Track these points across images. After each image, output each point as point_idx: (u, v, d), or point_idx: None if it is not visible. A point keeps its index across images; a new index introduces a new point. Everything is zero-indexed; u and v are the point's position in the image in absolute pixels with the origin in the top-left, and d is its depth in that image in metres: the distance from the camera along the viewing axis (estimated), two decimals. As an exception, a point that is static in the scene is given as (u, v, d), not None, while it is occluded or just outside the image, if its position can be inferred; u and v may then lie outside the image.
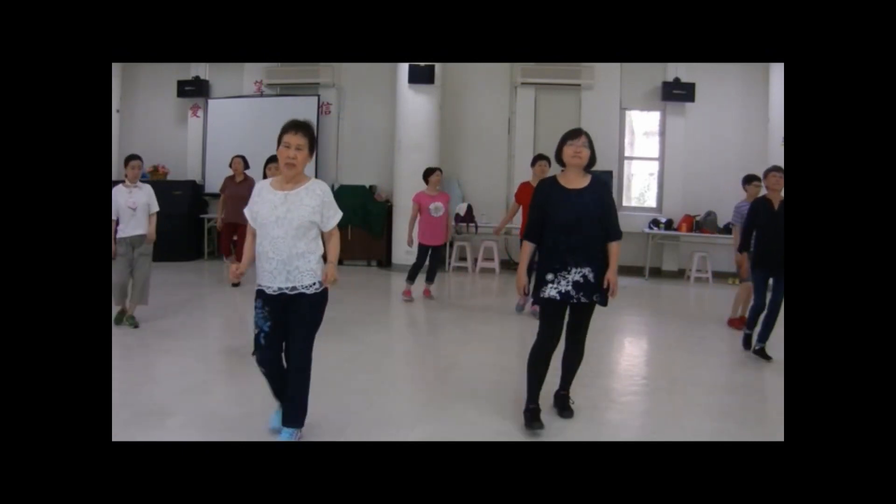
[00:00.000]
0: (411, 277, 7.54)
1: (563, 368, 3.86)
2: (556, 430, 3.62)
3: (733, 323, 6.59)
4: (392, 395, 4.22)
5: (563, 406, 3.89)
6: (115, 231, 5.72)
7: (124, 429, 3.24)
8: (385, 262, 10.27)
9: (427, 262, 7.57)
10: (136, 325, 5.77)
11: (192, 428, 3.48)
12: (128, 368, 4.43)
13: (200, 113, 11.59)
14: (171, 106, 11.72)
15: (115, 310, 5.72)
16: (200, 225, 10.91)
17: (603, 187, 3.64)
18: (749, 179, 6.76)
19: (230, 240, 8.47)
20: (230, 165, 8.48)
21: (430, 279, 7.68)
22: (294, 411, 3.24)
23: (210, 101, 11.47)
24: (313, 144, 3.25)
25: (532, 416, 3.58)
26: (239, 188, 8.33)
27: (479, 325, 6.55)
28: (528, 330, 6.06)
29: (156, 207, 5.97)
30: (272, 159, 5.45)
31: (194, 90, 11.40)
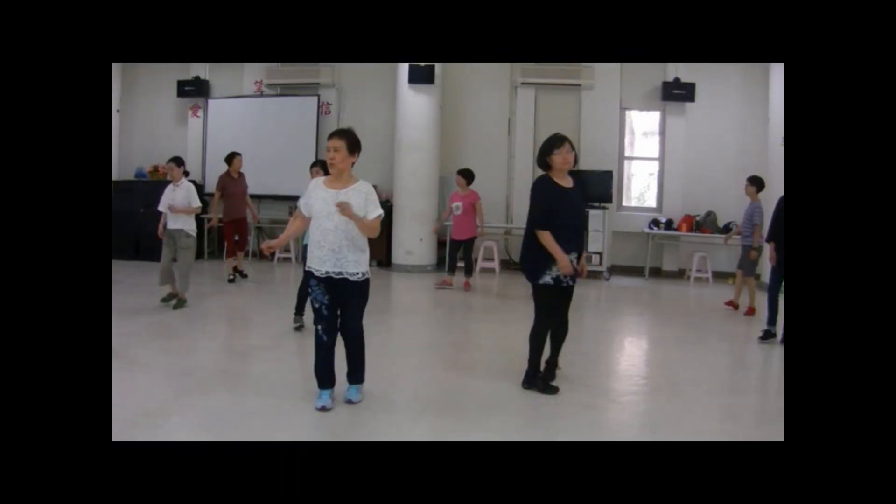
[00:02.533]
0: (449, 269, 8.65)
1: (555, 341, 4.39)
2: (557, 431, 3.62)
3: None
4: (392, 395, 4.22)
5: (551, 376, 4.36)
6: (163, 223, 6.71)
7: (124, 429, 3.24)
8: (385, 261, 10.28)
9: (461, 256, 8.56)
10: (177, 307, 6.55)
11: (192, 428, 3.48)
12: (128, 368, 4.43)
13: (200, 113, 11.59)
14: (171, 106, 11.72)
15: (164, 290, 6.72)
16: (201, 225, 10.90)
17: (582, 186, 4.40)
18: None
19: (233, 239, 8.69)
20: (230, 162, 8.62)
21: (466, 272, 8.63)
22: (356, 370, 3.97)
23: (210, 101, 11.47)
24: (353, 145, 3.76)
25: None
26: (238, 185, 8.51)
27: (479, 325, 6.55)
28: (527, 330, 6.07)
29: (195, 203, 6.69)
30: (316, 163, 6.01)
31: (194, 90, 11.40)
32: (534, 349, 4.30)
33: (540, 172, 4.30)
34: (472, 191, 8.61)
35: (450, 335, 6.12)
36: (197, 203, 6.73)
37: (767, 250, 6.15)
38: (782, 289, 5.73)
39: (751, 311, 7.13)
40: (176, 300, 6.63)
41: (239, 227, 8.72)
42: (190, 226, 6.66)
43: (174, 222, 6.61)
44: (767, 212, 7.28)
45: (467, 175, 8.57)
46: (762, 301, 6.40)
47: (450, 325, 6.67)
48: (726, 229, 9.34)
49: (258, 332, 6.10)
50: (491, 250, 10.26)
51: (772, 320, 5.78)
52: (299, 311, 5.81)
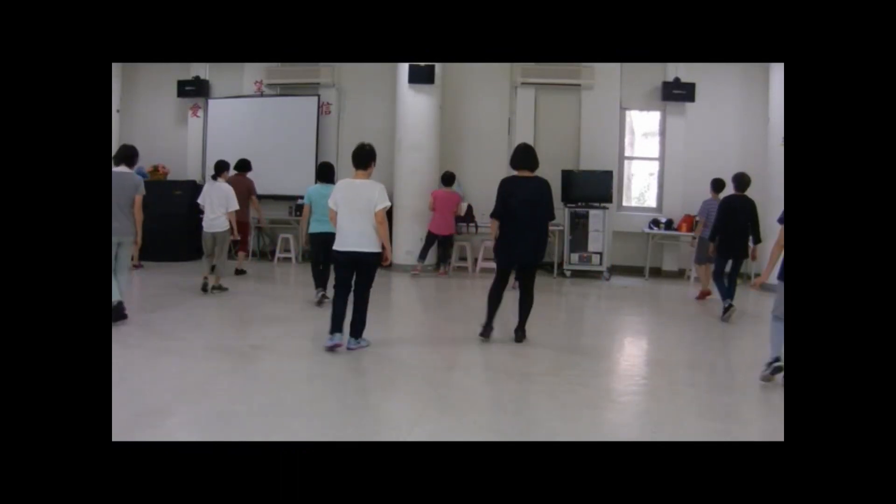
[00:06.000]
0: (421, 257, 9.64)
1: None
2: (557, 431, 3.62)
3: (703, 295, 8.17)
4: (392, 395, 4.22)
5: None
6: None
7: (124, 429, 3.24)
8: (385, 261, 10.28)
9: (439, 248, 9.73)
10: (216, 290, 7.44)
11: (192, 428, 3.47)
12: (128, 368, 4.43)
13: (200, 113, 11.59)
14: (171, 106, 11.72)
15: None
16: (200, 225, 10.89)
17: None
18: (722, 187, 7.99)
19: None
20: (246, 168, 9.07)
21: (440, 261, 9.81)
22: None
23: (210, 101, 11.47)
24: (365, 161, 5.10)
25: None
26: (241, 187, 8.63)
27: (479, 326, 6.54)
28: (528, 330, 6.07)
29: (234, 206, 7.53)
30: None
31: (194, 90, 11.40)
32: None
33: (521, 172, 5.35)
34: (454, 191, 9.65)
35: (449, 335, 6.12)
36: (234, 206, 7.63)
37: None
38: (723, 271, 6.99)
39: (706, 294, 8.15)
40: (212, 287, 7.51)
41: (243, 229, 8.88)
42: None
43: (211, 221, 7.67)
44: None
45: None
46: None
47: (450, 325, 6.67)
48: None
49: (256, 333, 6.09)
50: (491, 250, 10.24)
51: (729, 295, 6.86)
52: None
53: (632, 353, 6.00)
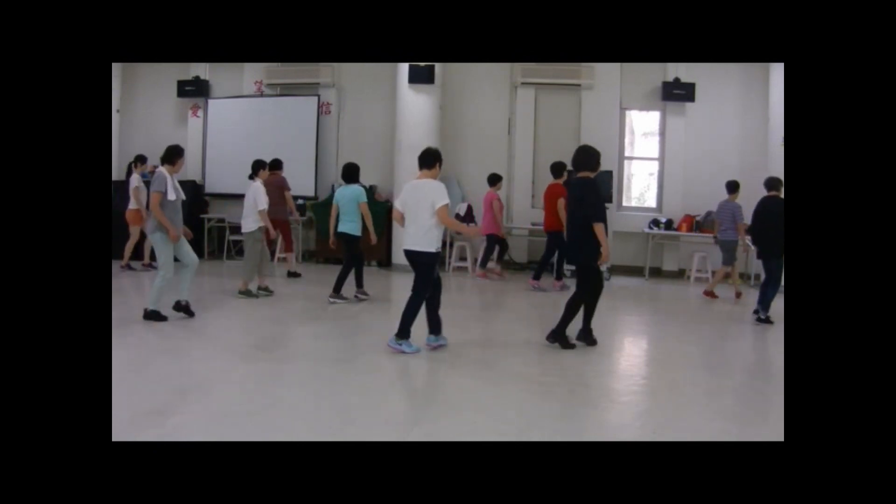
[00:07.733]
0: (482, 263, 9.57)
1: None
2: (557, 431, 3.62)
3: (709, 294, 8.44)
4: (392, 395, 4.22)
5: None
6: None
7: (124, 429, 3.24)
8: (385, 262, 10.27)
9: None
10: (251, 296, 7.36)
11: (193, 428, 3.47)
12: (128, 368, 4.43)
13: (200, 113, 11.60)
14: (171, 106, 11.73)
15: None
16: (201, 225, 10.91)
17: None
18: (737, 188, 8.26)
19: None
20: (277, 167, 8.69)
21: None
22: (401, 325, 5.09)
23: (210, 101, 11.48)
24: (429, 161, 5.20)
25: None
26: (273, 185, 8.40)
27: (479, 325, 6.55)
28: (530, 330, 6.07)
29: (261, 205, 7.21)
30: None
31: (194, 90, 11.41)
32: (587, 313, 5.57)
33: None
34: (489, 190, 9.39)
35: (449, 335, 6.12)
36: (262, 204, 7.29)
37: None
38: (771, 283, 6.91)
39: (738, 295, 8.36)
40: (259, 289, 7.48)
41: (282, 227, 8.63)
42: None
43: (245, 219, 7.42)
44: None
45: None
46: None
47: (450, 325, 6.67)
48: (706, 222, 9.77)
49: (256, 332, 6.10)
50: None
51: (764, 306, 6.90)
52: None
53: (632, 353, 6.00)
